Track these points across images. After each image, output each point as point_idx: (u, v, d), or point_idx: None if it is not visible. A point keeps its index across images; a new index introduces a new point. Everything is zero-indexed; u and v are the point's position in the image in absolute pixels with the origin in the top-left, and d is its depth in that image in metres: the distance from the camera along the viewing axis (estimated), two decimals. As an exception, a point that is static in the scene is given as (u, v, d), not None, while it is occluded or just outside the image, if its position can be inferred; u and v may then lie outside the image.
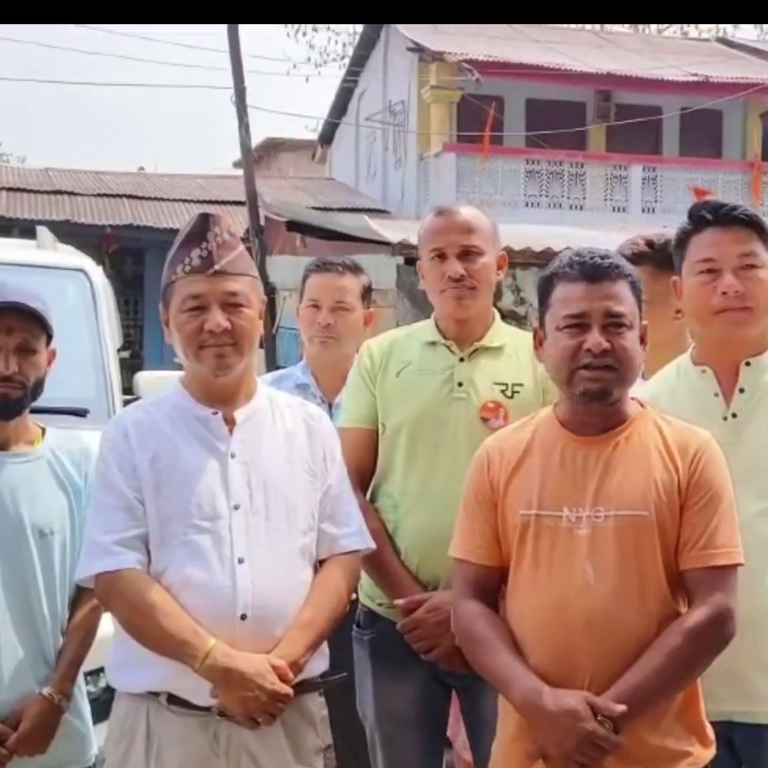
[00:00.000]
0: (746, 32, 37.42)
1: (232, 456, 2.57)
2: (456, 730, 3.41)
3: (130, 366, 9.44)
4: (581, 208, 21.48)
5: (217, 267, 2.55)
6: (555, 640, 2.32)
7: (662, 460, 2.37)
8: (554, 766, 2.28)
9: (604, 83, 21.60)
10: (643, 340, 2.46)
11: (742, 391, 2.72)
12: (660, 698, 2.30)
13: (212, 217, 2.62)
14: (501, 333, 3.10)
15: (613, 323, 2.37)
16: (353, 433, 3.10)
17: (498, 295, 3.29)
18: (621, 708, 2.23)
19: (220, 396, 2.60)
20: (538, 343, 2.50)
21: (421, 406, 2.99)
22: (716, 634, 2.31)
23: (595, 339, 2.35)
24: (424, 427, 2.98)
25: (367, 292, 3.86)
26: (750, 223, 2.74)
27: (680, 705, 2.35)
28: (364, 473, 3.08)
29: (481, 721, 2.88)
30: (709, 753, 2.40)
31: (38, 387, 2.82)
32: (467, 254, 3.00)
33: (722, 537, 2.33)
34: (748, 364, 2.73)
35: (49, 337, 2.85)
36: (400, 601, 2.90)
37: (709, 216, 2.74)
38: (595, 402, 2.38)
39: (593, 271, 2.39)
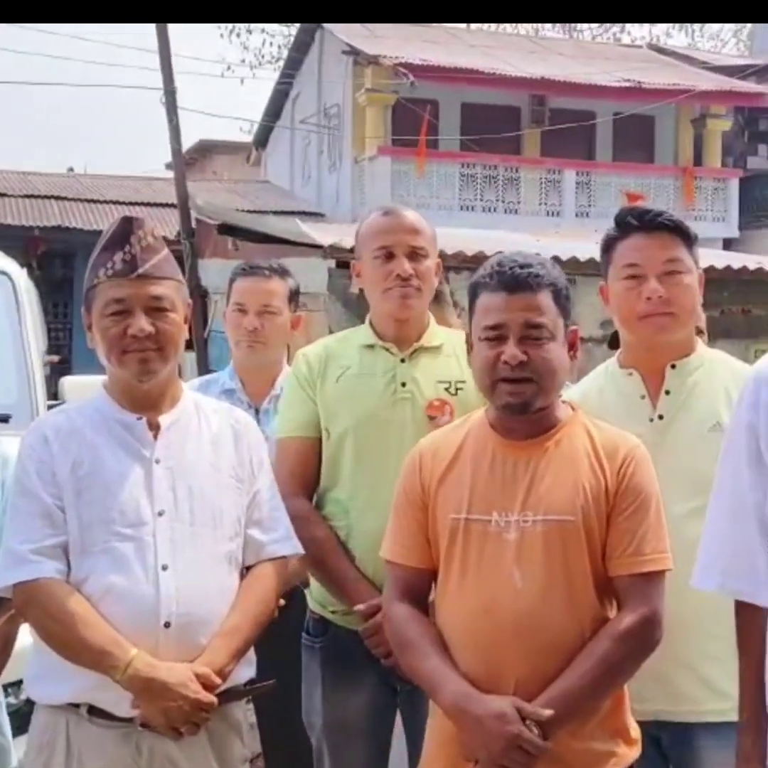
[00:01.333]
0: (678, 40, 37.94)
1: (157, 462, 2.53)
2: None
3: (61, 371, 9.32)
4: (516, 212, 21.64)
5: (140, 270, 2.51)
6: (483, 644, 2.32)
7: (591, 466, 2.38)
8: None
9: (539, 88, 21.78)
10: (572, 347, 2.45)
11: (668, 393, 2.75)
12: (589, 703, 2.31)
13: (135, 221, 2.58)
14: (438, 333, 3.11)
15: (531, 334, 2.36)
16: (295, 442, 3.07)
17: (439, 299, 3.31)
18: (548, 712, 2.24)
19: (144, 401, 2.57)
20: (470, 348, 2.50)
21: (365, 410, 2.98)
22: (644, 639, 2.33)
23: (511, 351, 2.35)
24: (370, 430, 2.97)
25: (294, 296, 3.83)
26: (674, 229, 2.76)
27: (606, 707, 2.36)
28: (308, 481, 3.06)
29: (418, 725, 2.86)
30: (634, 752, 2.41)
31: None
32: (415, 255, 3.00)
33: (651, 543, 2.34)
34: (673, 366, 2.76)
35: None
36: (360, 607, 2.87)
37: (634, 222, 2.75)
38: (517, 415, 2.39)
39: (512, 281, 2.38)
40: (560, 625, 2.30)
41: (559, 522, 2.33)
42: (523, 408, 2.36)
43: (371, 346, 3.06)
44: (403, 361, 3.02)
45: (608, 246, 2.82)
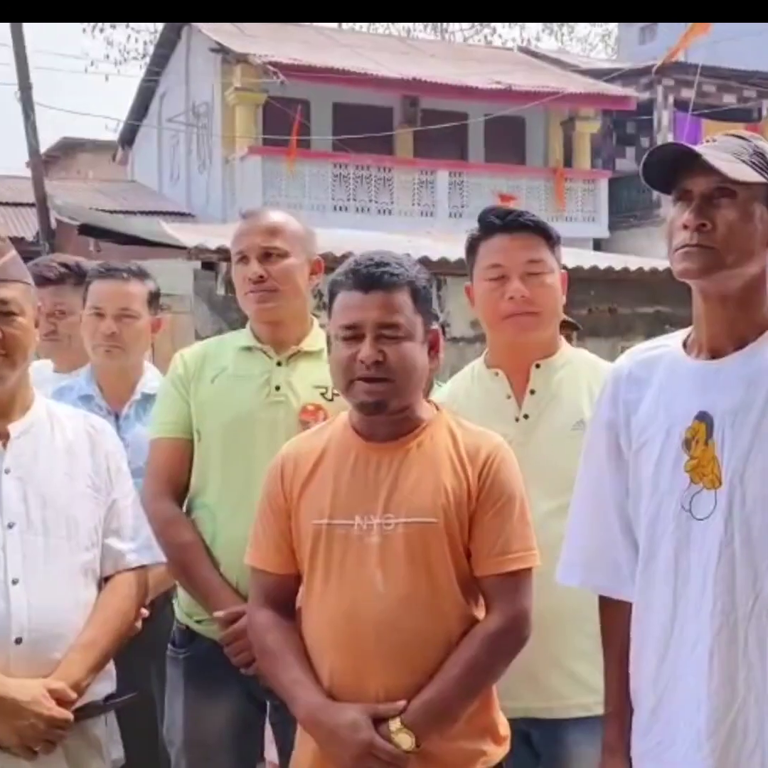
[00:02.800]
0: (547, 43, 38.60)
1: (6, 472, 2.45)
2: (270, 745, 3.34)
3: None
4: (389, 212, 21.73)
5: None
6: (346, 650, 2.31)
7: (453, 466, 2.37)
8: None
9: (411, 89, 21.90)
10: (433, 347, 2.44)
11: (532, 392, 2.77)
12: (460, 707, 2.31)
13: None
14: (319, 338, 3.04)
15: (387, 333, 2.34)
16: (165, 443, 3.01)
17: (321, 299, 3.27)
18: (399, 705, 2.24)
19: None
20: (330, 348, 2.47)
21: (237, 412, 2.93)
22: (512, 640, 2.34)
23: (366, 351, 2.32)
24: (240, 433, 2.92)
25: (154, 299, 3.73)
26: (536, 229, 2.78)
27: (474, 706, 2.36)
28: (178, 484, 3.00)
29: (290, 740, 2.81)
30: (503, 750, 2.42)
31: None
32: (268, 256, 2.96)
33: (517, 542, 2.34)
34: (538, 366, 2.79)
35: None
36: (219, 613, 2.81)
37: (497, 222, 2.77)
38: (373, 414, 2.36)
39: (367, 280, 2.35)
40: (423, 628, 2.29)
41: (421, 524, 2.31)
42: (379, 407, 2.34)
43: (249, 349, 3.02)
44: (279, 364, 2.98)
45: (472, 246, 2.83)
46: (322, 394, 2.93)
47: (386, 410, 2.35)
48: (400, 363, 2.34)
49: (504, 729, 2.44)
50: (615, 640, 2.25)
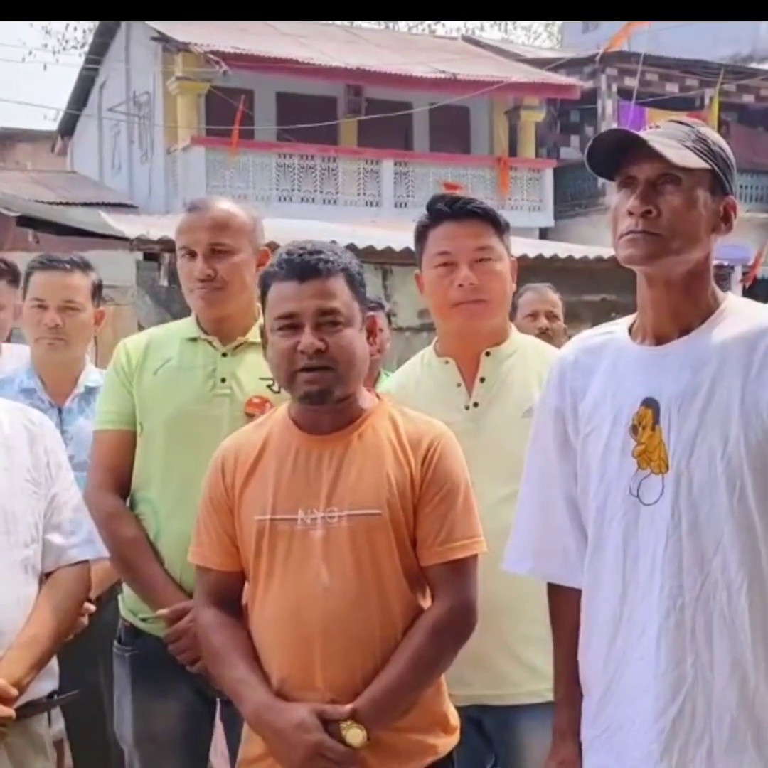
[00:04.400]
0: (491, 33, 38.65)
1: None
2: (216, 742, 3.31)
3: None
4: (334, 202, 21.69)
5: None
6: (293, 647, 2.28)
7: (395, 456, 2.35)
8: None
9: (355, 78, 21.85)
10: (371, 333, 2.43)
11: (482, 380, 2.77)
12: (408, 699, 2.30)
13: None
14: None
15: (327, 321, 2.31)
16: (109, 435, 2.96)
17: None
18: (348, 708, 2.22)
19: None
20: (264, 342, 2.44)
21: (181, 404, 2.88)
22: (458, 628, 2.33)
23: (307, 340, 2.29)
24: (184, 426, 2.87)
25: (97, 290, 3.69)
26: (485, 216, 2.76)
27: (424, 698, 2.35)
28: (121, 477, 2.94)
29: (238, 737, 2.79)
30: (453, 740, 2.42)
31: None
32: (215, 253, 2.90)
33: (460, 529, 2.33)
34: (487, 354, 2.78)
35: None
36: (163, 611, 2.77)
37: (445, 209, 2.75)
38: (317, 404, 2.34)
39: (302, 268, 2.32)
40: (370, 622, 2.28)
41: (365, 516, 2.30)
42: (323, 396, 2.31)
43: (194, 339, 2.97)
44: (224, 355, 2.94)
45: (421, 234, 2.81)
46: (269, 387, 2.89)
47: (330, 399, 2.32)
48: (342, 350, 2.31)
49: (454, 719, 2.44)
50: (564, 626, 2.26)
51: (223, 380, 2.91)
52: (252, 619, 2.38)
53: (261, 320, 3.01)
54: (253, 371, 2.91)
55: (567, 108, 24.98)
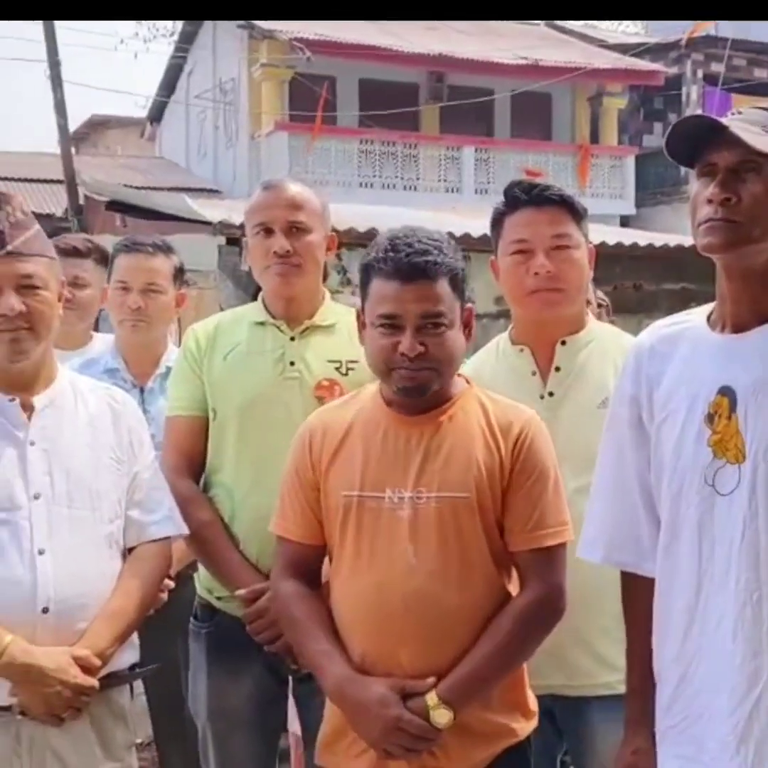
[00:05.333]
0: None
1: (31, 444, 2.47)
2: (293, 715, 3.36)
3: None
4: (415, 188, 21.69)
5: (10, 248, 2.43)
6: (376, 624, 2.31)
7: (485, 440, 2.35)
8: (378, 754, 2.28)
9: (437, 65, 21.83)
10: (467, 326, 2.41)
11: (558, 369, 2.74)
12: (495, 681, 2.32)
13: (3, 196, 2.50)
14: (332, 311, 3.04)
15: (429, 324, 2.30)
16: (181, 421, 3.00)
17: (325, 276, 3.22)
18: (428, 682, 2.24)
19: (17, 382, 2.49)
20: (361, 325, 2.44)
21: (252, 389, 2.91)
22: (547, 615, 2.34)
23: (407, 343, 2.29)
24: (256, 409, 2.89)
25: (179, 273, 3.74)
26: (563, 203, 2.74)
27: (506, 682, 2.37)
28: (195, 462, 2.99)
29: (315, 712, 2.81)
30: (531, 725, 2.44)
31: None
32: (293, 230, 2.91)
33: (551, 516, 2.34)
34: (563, 343, 2.75)
35: None
36: (241, 592, 2.81)
37: (522, 196, 2.73)
38: (413, 397, 2.35)
39: (408, 270, 2.29)
40: (454, 602, 2.29)
41: (453, 499, 2.31)
42: (420, 391, 2.33)
43: (262, 324, 2.99)
44: (292, 339, 2.95)
45: (497, 221, 2.79)
46: (337, 369, 2.91)
47: (427, 393, 2.34)
48: (443, 353, 2.32)
49: (533, 704, 2.46)
50: (637, 615, 2.24)
51: (292, 364, 2.93)
52: (334, 595, 2.40)
53: (328, 302, 3.05)
54: (321, 354, 2.93)
55: (651, 94, 24.67)
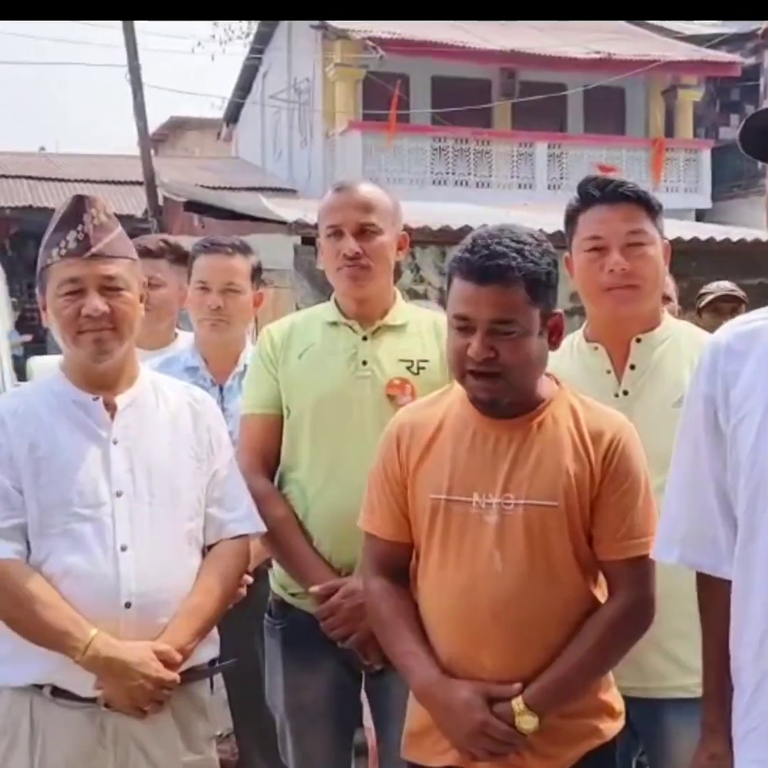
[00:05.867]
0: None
1: (114, 442, 2.53)
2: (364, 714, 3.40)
3: (35, 350, 9.28)
4: (487, 185, 21.63)
5: (94, 250, 2.49)
6: (461, 627, 2.31)
7: (575, 448, 2.33)
8: (463, 755, 2.31)
9: (509, 61, 21.74)
10: (553, 333, 2.37)
11: (632, 367, 2.72)
12: (583, 688, 2.32)
13: (87, 199, 2.55)
14: (403, 311, 3.06)
15: (500, 330, 2.26)
16: (256, 419, 3.04)
17: (398, 274, 3.24)
18: (515, 687, 2.25)
19: (101, 381, 2.55)
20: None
21: (325, 388, 2.94)
22: (636, 624, 2.33)
23: (475, 347, 2.26)
24: (329, 408, 2.93)
25: (256, 273, 3.78)
26: (637, 199, 2.71)
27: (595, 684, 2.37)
28: (269, 459, 3.02)
29: (388, 707, 2.85)
30: (617, 725, 2.43)
31: None
32: (364, 232, 2.93)
33: (641, 526, 2.31)
34: (638, 340, 2.73)
35: None
36: (314, 588, 2.83)
37: (596, 192, 2.71)
38: (486, 411, 2.34)
39: (481, 273, 2.25)
40: (539, 609, 2.28)
41: (541, 507, 2.29)
42: (491, 405, 2.31)
43: (335, 324, 3.02)
44: (365, 339, 2.98)
45: (571, 217, 2.78)
46: (408, 368, 2.93)
47: (499, 407, 2.32)
48: (513, 360, 2.28)
49: (619, 705, 2.44)
50: (714, 617, 2.19)
51: (365, 363, 2.95)
52: (421, 595, 2.41)
53: (399, 302, 3.07)
54: (393, 353, 2.95)
55: (727, 86, 24.32)
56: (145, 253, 4.01)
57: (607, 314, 2.74)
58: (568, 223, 2.80)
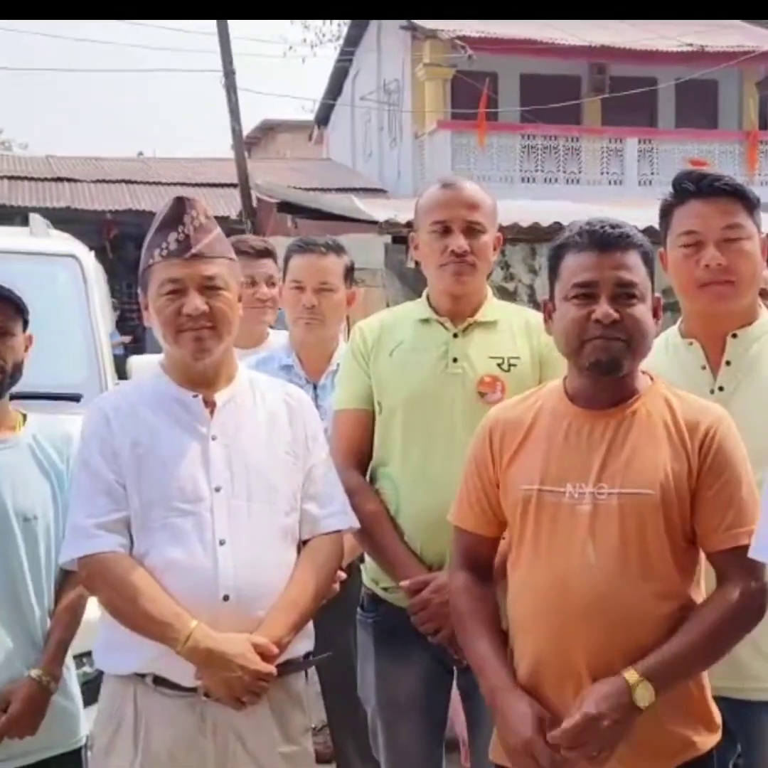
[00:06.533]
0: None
1: (213, 438, 2.57)
2: (456, 709, 3.42)
3: (134, 350, 9.47)
4: (577, 182, 21.45)
5: (194, 250, 2.55)
6: (553, 619, 2.30)
7: (671, 439, 2.32)
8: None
9: (598, 56, 21.52)
10: (655, 313, 2.40)
11: (728, 363, 2.70)
12: (696, 670, 2.29)
13: (188, 201, 2.61)
14: (494, 308, 3.07)
15: (623, 294, 2.31)
16: (349, 414, 3.08)
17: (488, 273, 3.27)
18: (559, 736, 2.20)
19: (200, 379, 2.61)
20: (548, 315, 2.45)
21: (416, 384, 2.96)
22: (751, 611, 2.29)
23: (603, 309, 2.29)
24: (420, 404, 2.95)
25: (349, 272, 3.83)
26: (734, 193, 2.68)
27: (689, 694, 2.33)
28: (362, 454, 3.06)
29: (480, 704, 2.84)
30: (714, 738, 2.37)
31: (17, 371, 2.84)
32: (470, 230, 2.95)
33: (747, 514, 2.28)
34: (734, 336, 2.70)
35: (25, 322, 2.86)
36: (405, 583, 2.86)
37: (692, 187, 2.70)
38: (605, 375, 2.33)
39: (603, 239, 2.33)
40: (633, 600, 2.26)
41: (636, 496, 2.28)
42: (613, 365, 2.31)
43: (426, 321, 3.04)
44: (456, 336, 3.00)
45: (666, 212, 2.76)
46: (499, 365, 2.93)
47: (619, 370, 2.32)
48: (636, 323, 2.32)
49: (717, 717, 2.39)
50: None
51: (456, 360, 2.96)
52: (512, 588, 2.42)
53: (490, 300, 3.08)
54: (484, 350, 2.96)
55: (825, 76, 23.81)
56: (252, 253, 4.12)
57: (703, 310, 2.72)
58: (663, 218, 2.78)
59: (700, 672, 2.30)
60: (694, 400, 2.40)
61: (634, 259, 2.34)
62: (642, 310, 2.33)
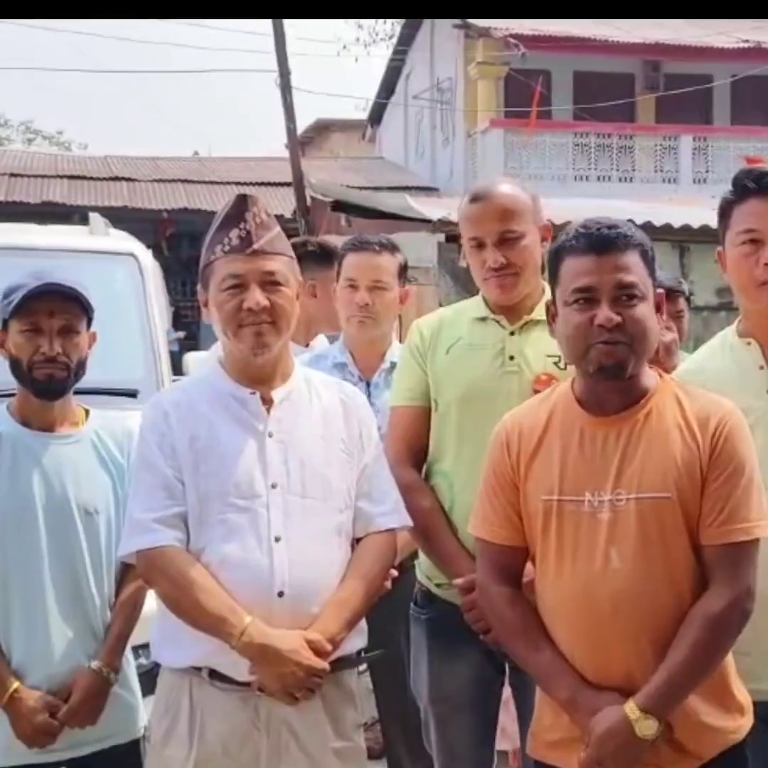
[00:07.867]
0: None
1: (270, 435, 2.59)
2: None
3: (189, 347, 9.55)
4: (631, 180, 21.30)
5: (255, 246, 2.58)
6: (584, 627, 2.31)
7: (682, 437, 2.32)
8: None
9: (653, 53, 21.35)
10: (658, 309, 2.40)
11: None
12: (690, 688, 2.28)
13: (250, 198, 2.64)
14: None
15: (623, 295, 2.31)
16: (405, 410, 3.10)
17: (543, 268, 3.27)
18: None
19: (258, 376, 2.63)
20: (551, 318, 2.46)
21: (472, 381, 2.98)
22: (735, 619, 2.27)
23: (605, 313, 2.29)
24: (476, 402, 2.96)
25: (403, 271, 3.85)
26: None
27: (714, 683, 2.32)
28: (417, 450, 3.08)
29: (528, 701, 2.87)
30: (747, 721, 2.38)
31: (81, 368, 2.89)
32: (505, 241, 2.95)
33: (743, 511, 2.28)
34: None
35: (89, 319, 2.91)
36: (458, 581, 2.87)
37: (752, 185, 2.67)
38: (611, 379, 2.33)
39: (600, 242, 2.32)
40: (661, 603, 2.27)
41: (654, 499, 2.28)
42: (618, 370, 2.31)
43: (483, 319, 3.05)
44: (512, 334, 3.01)
45: (725, 210, 2.74)
46: (555, 363, 2.93)
47: (624, 374, 2.32)
48: (638, 326, 2.31)
49: (746, 700, 2.40)
50: None
51: (512, 358, 2.97)
52: (541, 600, 2.42)
53: (547, 296, 3.09)
54: (540, 348, 2.95)
55: None
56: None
57: (762, 309, 2.69)
58: (722, 216, 2.76)
59: (699, 686, 2.28)
60: (704, 395, 2.39)
61: (632, 258, 2.33)
62: (644, 310, 2.33)
